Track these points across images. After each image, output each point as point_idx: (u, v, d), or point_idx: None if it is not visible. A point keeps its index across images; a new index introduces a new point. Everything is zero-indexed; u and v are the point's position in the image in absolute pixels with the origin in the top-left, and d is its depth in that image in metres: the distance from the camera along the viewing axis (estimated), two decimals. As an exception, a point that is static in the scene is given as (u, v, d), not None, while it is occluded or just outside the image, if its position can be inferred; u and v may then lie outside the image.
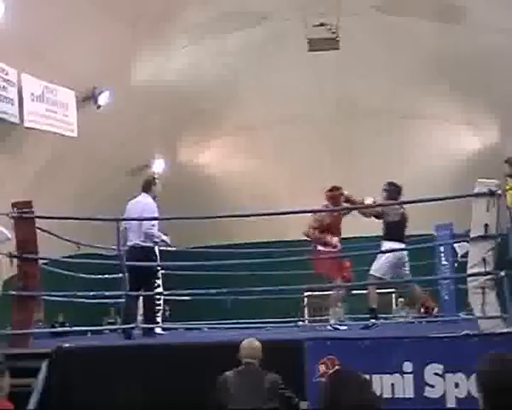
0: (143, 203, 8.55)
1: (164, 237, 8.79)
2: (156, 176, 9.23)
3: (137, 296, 8.51)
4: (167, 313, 13.51)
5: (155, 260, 8.73)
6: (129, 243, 8.35)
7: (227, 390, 5.27)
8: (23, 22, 10.57)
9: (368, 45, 14.93)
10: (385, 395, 5.47)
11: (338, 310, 9.33)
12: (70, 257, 10.57)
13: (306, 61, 14.83)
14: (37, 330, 7.88)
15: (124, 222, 8.29)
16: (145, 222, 8.24)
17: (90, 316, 10.87)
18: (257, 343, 5.53)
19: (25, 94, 10.89)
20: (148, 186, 8.76)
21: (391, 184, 9.07)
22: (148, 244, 8.32)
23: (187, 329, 10.84)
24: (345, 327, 8.79)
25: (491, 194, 6.15)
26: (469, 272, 6.37)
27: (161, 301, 10.35)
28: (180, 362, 6.08)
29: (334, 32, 13.54)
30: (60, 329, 10.75)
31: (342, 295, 9.24)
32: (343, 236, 9.16)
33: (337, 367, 5.40)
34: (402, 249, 8.75)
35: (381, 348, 5.77)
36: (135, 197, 8.74)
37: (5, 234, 7.13)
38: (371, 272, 8.71)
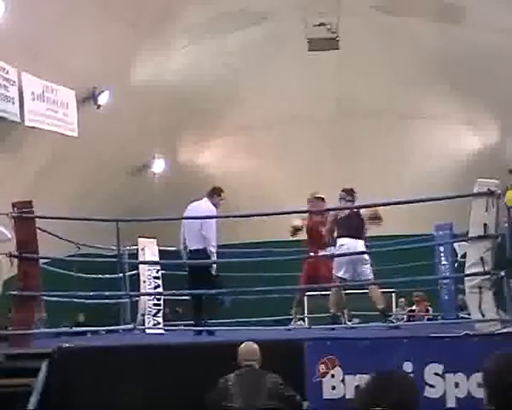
0: None
1: None
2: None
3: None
4: (168, 314, 13.53)
5: None
6: None
7: (228, 391, 5.27)
8: (23, 21, 10.57)
9: (368, 45, 14.93)
10: (385, 395, 5.46)
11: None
12: (71, 255, 10.56)
13: (306, 61, 14.81)
14: (36, 331, 7.84)
15: None
16: None
17: (89, 317, 10.87)
18: (254, 346, 5.49)
19: (25, 93, 10.88)
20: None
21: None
22: None
23: (189, 329, 10.82)
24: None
25: (490, 193, 6.14)
26: (467, 271, 6.36)
27: (161, 301, 10.36)
28: (180, 362, 6.08)
29: (334, 32, 13.52)
30: (62, 329, 10.71)
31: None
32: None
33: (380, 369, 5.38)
34: None
35: (380, 348, 5.77)
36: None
37: (5, 234, 7.12)
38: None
